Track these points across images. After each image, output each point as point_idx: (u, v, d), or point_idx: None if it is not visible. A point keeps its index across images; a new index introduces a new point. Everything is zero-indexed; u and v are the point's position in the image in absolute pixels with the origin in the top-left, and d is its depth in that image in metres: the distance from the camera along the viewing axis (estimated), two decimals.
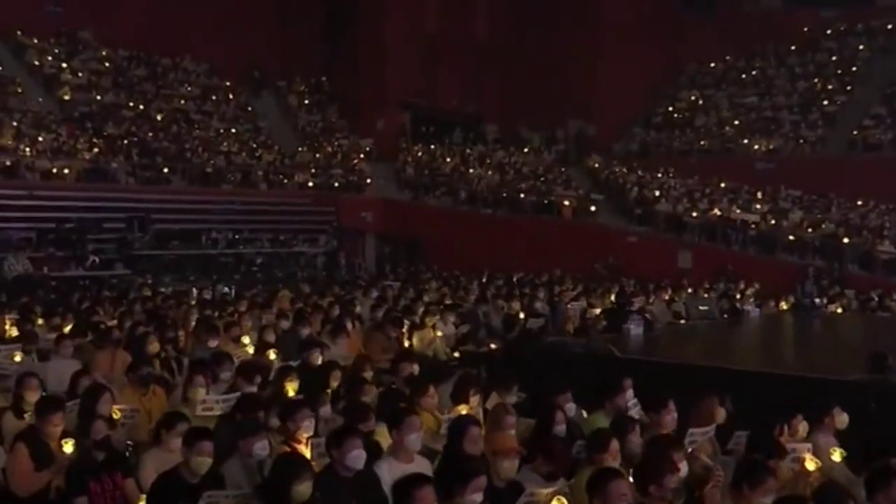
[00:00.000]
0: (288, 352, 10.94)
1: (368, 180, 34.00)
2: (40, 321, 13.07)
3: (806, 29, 40.99)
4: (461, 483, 5.14)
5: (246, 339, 12.02)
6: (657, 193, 31.05)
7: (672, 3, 42.26)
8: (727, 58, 41.70)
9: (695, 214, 28.43)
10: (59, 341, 10.57)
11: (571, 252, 27.18)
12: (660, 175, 33.48)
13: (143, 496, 6.07)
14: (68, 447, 6.57)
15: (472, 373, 10.30)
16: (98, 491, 6.35)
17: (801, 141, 34.66)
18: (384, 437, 6.54)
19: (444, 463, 6.12)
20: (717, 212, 28.48)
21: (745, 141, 35.68)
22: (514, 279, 22.70)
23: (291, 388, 8.28)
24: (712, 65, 42.22)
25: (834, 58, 39.10)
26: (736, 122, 37.35)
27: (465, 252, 28.57)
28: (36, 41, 34.41)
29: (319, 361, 9.78)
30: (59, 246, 22.73)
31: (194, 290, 17.62)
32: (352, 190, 33.04)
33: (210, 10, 36.47)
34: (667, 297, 16.50)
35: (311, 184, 32.19)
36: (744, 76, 41.04)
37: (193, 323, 13.02)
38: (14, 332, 12.40)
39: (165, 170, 29.17)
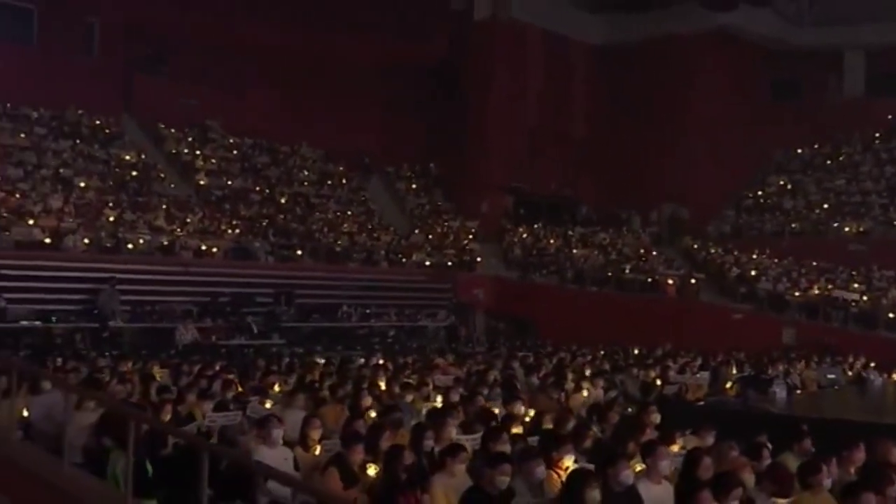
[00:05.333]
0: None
1: (476, 261, 35.63)
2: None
3: (889, 116, 42.12)
4: (725, 492, 6.64)
5: (433, 394, 13.61)
6: (753, 273, 32.23)
7: (759, 93, 43.88)
8: (815, 145, 42.88)
9: (796, 293, 29.47)
10: (293, 396, 12.20)
11: (678, 328, 28.34)
12: (755, 256, 34.60)
13: None
14: (371, 470, 8.19)
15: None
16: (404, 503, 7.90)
17: (894, 224, 35.54)
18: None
19: (684, 483, 7.58)
20: (816, 290, 29.51)
21: (836, 224, 36.67)
22: (635, 351, 23.99)
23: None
24: (799, 151, 43.46)
25: None
26: (825, 206, 38.38)
27: (573, 328, 29.69)
28: (172, 131, 37.00)
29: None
30: (219, 317, 24.71)
31: (361, 359, 19.25)
32: (464, 268, 34.63)
33: (324, 101, 38.74)
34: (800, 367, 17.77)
35: (427, 263, 33.92)
36: (829, 162, 42.22)
37: (383, 384, 14.54)
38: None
39: (298, 251, 31.07)
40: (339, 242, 32.68)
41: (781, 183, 41.70)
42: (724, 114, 40.99)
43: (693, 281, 32.19)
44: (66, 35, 34.22)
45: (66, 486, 6.80)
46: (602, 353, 23.69)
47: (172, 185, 33.29)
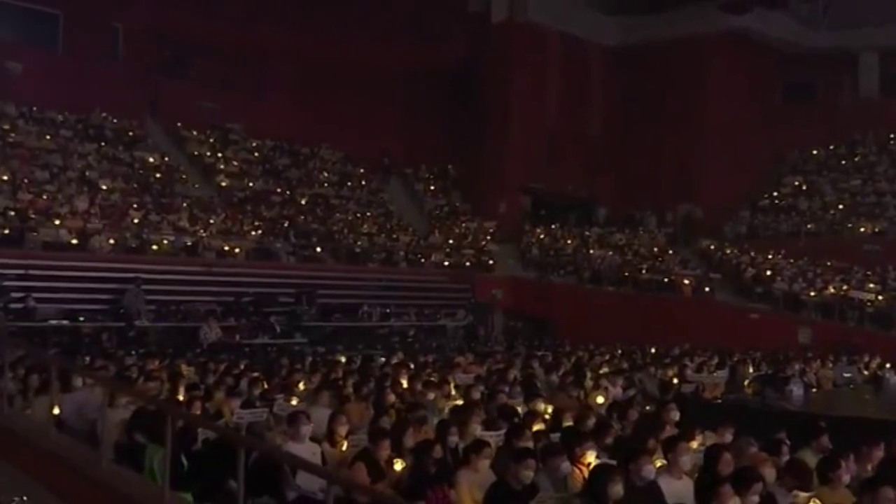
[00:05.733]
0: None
1: (490, 262, 35.64)
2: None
3: None
4: (746, 486, 6.74)
5: (454, 392, 13.73)
6: (769, 273, 32.23)
7: (774, 95, 43.83)
8: (830, 146, 42.81)
9: (812, 293, 29.47)
10: (318, 393, 12.36)
11: (695, 328, 28.37)
12: (770, 256, 34.59)
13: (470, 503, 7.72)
14: (398, 465, 8.34)
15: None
16: (432, 497, 8.03)
17: None
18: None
19: (704, 478, 7.67)
20: (831, 290, 29.50)
21: (851, 224, 36.60)
22: (652, 350, 24.07)
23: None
24: (814, 152, 43.37)
25: None
26: (840, 206, 38.30)
27: (590, 327, 29.75)
28: (195, 133, 37.31)
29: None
30: (242, 316, 24.94)
31: (382, 357, 19.42)
32: (482, 269, 34.75)
33: (343, 104, 39.04)
34: (816, 366, 17.84)
35: (445, 263, 34.05)
36: (844, 162, 42.12)
37: (405, 382, 14.67)
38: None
39: (318, 249, 31.25)
40: (359, 243, 32.88)
41: (796, 184, 41.60)
42: (738, 115, 40.98)
43: (709, 281, 32.18)
44: (91, 40, 34.62)
45: (105, 479, 6.95)
46: (620, 352, 23.76)
47: (197, 186, 33.60)
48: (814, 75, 43.71)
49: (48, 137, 31.40)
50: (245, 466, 7.85)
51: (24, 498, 6.18)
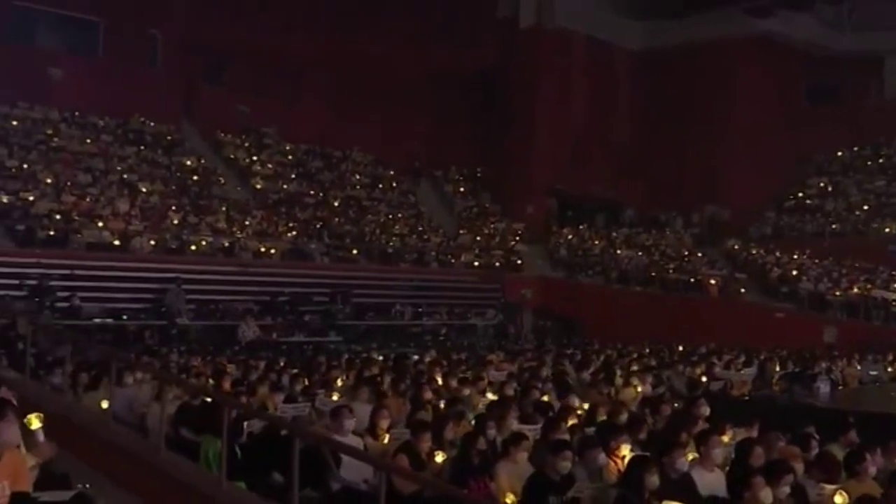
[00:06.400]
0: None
1: (519, 262, 35.80)
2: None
3: None
4: (777, 478, 6.91)
5: (488, 389, 13.94)
6: (794, 273, 32.20)
7: (799, 97, 43.67)
8: (855, 148, 42.63)
9: (837, 293, 29.42)
10: (357, 388, 12.60)
11: (721, 327, 28.39)
12: (795, 256, 34.53)
13: (510, 493, 7.92)
14: (439, 458, 8.54)
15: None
16: (474, 487, 8.23)
17: None
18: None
19: (736, 470, 7.84)
20: (856, 290, 29.44)
21: (876, 225, 36.45)
22: (679, 348, 24.15)
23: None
24: (839, 153, 43.18)
25: None
26: (865, 207, 38.13)
27: (618, 327, 29.81)
28: (230, 137, 37.70)
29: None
30: (279, 315, 25.29)
31: (415, 355, 19.66)
32: (510, 269, 34.91)
33: (374, 108, 39.31)
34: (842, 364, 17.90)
35: (475, 263, 34.26)
36: (869, 163, 41.92)
37: (439, 379, 14.89)
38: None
39: (354, 251, 31.57)
40: (391, 244, 33.15)
41: (822, 185, 41.46)
42: (763, 117, 40.86)
43: (735, 281, 32.20)
44: (130, 47, 35.04)
45: (165, 468, 7.21)
46: (648, 350, 23.87)
47: (239, 189, 33.98)
48: (839, 78, 43.48)
49: (89, 142, 31.85)
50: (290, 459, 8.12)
51: (87, 485, 6.41)
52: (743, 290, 31.95)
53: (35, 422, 5.79)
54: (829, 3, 42.90)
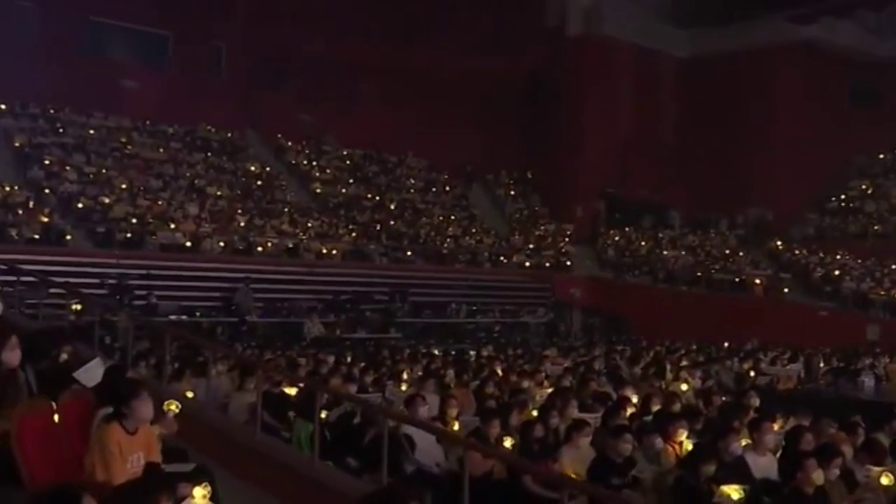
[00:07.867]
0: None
1: (568, 263, 36.03)
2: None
3: None
4: (828, 460, 7.25)
5: (545, 383, 14.32)
6: (837, 273, 32.13)
7: (841, 100, 43.34)
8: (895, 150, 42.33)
9: (881, 293, 29.34)
10: (425, 380, 13.05)
11: (766, 326, 28.41)
12: (838, 257, 34.41)
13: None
14: (507, 442, 8.95)
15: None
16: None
17: None
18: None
19: (787, 455, 8.16)
20: None
21: None
22: (726, 345, 24.30)
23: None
24: (881, 156, 42.84)
25: None
26: None
27: (664, 324, 29.99)
28: (291, 144, 38.43)
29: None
30: (341, 313, 25.88)
31: (472, 351, 20.12)
32: (560, 269, 35.22)
33: (428, 115, 39.69)
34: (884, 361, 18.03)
35: (526, 264, 34.62)
36: None
37: (499, 371, 15.30)
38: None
39: (409, 253, 32.11)
40: (446, 245, 33.62)
41: (864, 187, 41.18)
42: (806, 122, 40.63)
43: (779, 280, 32.21)
44: (196, 58, 35.94)
45: (261, 450, 7.69)
46: (695, 347, 24.05)
47: (296, 194, 34.62)
48: (881, 82, 43.09)
49: (161, 149, 32.73)
50: (361, 444, 8.59)
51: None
52: (787, 290, 31.90)
53: (173, 406, 6.74)
54: (870, 10, 42.60)
